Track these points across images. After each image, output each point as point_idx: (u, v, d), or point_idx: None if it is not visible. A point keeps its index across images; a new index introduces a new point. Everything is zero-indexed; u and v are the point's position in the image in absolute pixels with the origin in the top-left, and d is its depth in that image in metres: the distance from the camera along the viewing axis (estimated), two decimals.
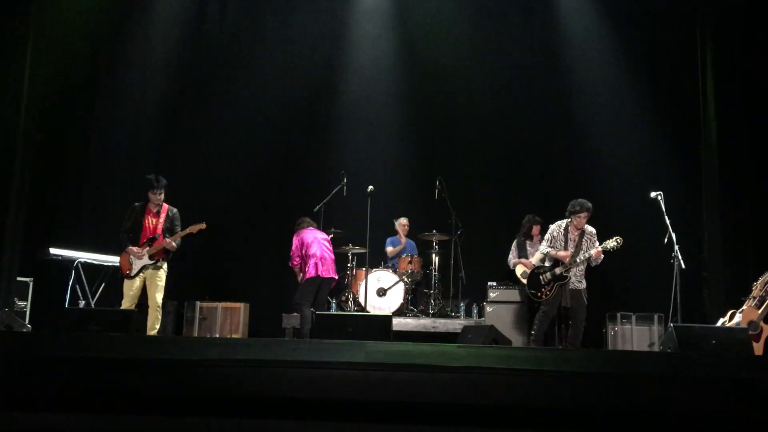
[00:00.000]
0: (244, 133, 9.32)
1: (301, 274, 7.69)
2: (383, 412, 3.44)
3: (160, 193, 6.73)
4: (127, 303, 6.56)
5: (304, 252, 7.66)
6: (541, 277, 6.71)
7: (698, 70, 8.50)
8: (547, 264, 6.76)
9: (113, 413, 3.49)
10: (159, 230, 6.71)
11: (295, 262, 7.71)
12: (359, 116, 9.48)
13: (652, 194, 6.66)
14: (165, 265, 6.72)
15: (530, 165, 9.23)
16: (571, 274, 6.57)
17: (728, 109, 8.22)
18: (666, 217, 6.54)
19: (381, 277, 8.19)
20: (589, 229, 6.71)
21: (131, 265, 6.60)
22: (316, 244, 7.66)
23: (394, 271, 8.30)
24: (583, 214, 6.59)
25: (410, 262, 8.34)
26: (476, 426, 3.43)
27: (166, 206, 6.83)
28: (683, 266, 6.42)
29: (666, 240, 6.53)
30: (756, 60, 8.01)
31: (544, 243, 6.82)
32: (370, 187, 7.71)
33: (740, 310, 6.12)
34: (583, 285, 6.64)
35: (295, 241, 7.74)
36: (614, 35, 9.05)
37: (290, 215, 9.03)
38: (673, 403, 3.48)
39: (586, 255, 6.52)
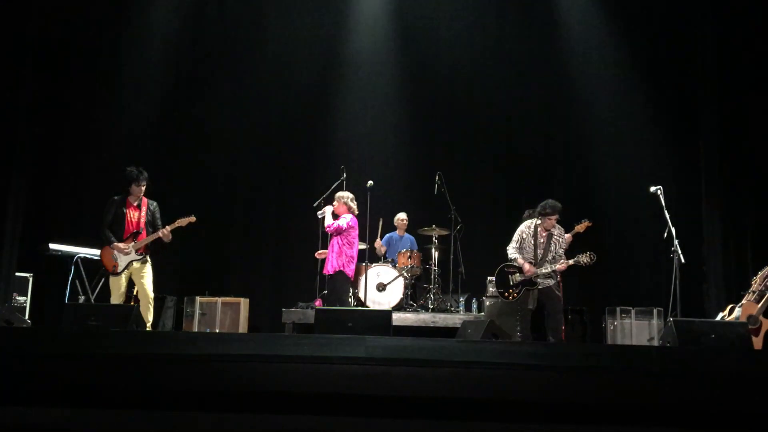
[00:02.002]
0: (243, 127, 9.32)
1: (341, 263, 7.24)
2: (383, 406, 3.45)
3: (143, 186, 6.57)
4: (116, 300, 6.47)
5: (352, 243, 7.28)
6: (510, 278, 6.64)
7: (698, 63, 8.50)
8: (516, 264, 6.68)
9: (113, 408, 3.49)
10: (142, 224, 6.57)
11: (333, 229, 7.17)
12: (359, 111, 9.48)
13: (652, 189, 6.65)
14: (149, 258, 6.60)
15: (530, 159, 9.22)
16: (539, 279, 6.55)
17: (728, 102, 8.22)
18: (665, 212, 6.53)
19: (380, 272, 8.19)
20: (558, 230, 6.65)
21: (116, 261, 6.45)
22: (358, 247, 7.47)
23: (394, 266, 8.30)
24: (553, 217, 6.52)
25: (410, 257, 8.34)
26: (475, 420, 3.44)
27: (145, 199, 6.65)
28: (683, 261, 6.41)
29: (665, 234, 6.52)
30: (756, 53, 8.01)
31: (512, 244, 6.74)
32: (370, 182, 7.69)
33: (740, 304, 6.13)
34: (553, 281, 6.56)
35: (351, 223, 7.26)
36: (613, 30, 9.03)
37: (290, 210, 9.05)
38: (672, 398, 3.48)
39: (553, 267, 6.44)
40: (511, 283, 6.62)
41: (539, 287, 6.51)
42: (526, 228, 6.72)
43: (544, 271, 6.48)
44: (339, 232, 7.22)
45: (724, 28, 8.29)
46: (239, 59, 9.43)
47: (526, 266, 6.55)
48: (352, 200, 7.41)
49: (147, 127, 9.14)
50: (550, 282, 6.55)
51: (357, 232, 7.38)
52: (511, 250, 6.72)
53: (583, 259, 6.40)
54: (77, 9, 8.61)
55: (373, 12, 9.50)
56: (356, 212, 7.42)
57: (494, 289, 7.72)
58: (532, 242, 6.62)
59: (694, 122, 8.54)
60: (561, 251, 6.56)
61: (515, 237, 6.76)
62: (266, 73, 9.39)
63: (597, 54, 9.09)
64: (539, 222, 6.62)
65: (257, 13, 9.49)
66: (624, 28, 9.00)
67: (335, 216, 7.35)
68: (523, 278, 6.57)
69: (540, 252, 6.57)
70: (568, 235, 6.48)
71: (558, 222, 6.64)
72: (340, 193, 7.46)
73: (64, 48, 8.57)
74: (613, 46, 9.02)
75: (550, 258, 6.51)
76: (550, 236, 6.60)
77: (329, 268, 7.31)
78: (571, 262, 6.44)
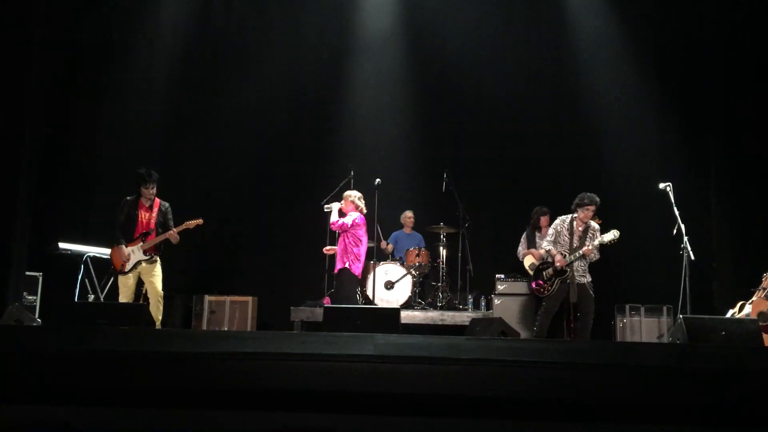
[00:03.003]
0: (251, 126, 9.31)
1: (348, 261, 7.37)
2: (392, 404, 3.45)
3: (153, 188, 6.60)
4: (124, 298, 6.51)
5: (358, 241, 7.34)
6: (544, 273, 6.74)
7: (707, 59, 8.44)
8: (550, 259, 6.75)
9: (123, 407, 3.50)
10: (152, 225, 6.61)
11: (337, 227, 7.31)
12: (366, 109, 9.46)
13: (661, 185, 6.63)
14: (158, 258, 6.64)
15: (538, 156, 9.18)
16: (573, 268, 6.55)
17: (738, 98, 8.17)
18: (675, 209, 6.51)
19: (389, 270, 8.20)
20: (593, 224, 6.70)
21: (124, 260, 6.50)
22: (365, 243, 7.52)
23: (402, 264, 8.30)
24: (591, 208, 6.58)
25: (418, 255, 8.34)
26: (484, 418, 3.43)
27: (158, 200, 6.71)
28: (692, 258, 6.39)
29: (675, 231, 6.50)
30: (765, 48, 7.96)
31: (547, 238, 6.82)
32: (378, 180, 7.70)
33: (750, 301, 6.10)
34: (588, 278, 6.62)
35: (358, 221, 7.33)
36: (622, 25, 8.99)
37: (298, 208, 9.05)
38: (682, 395, 3.46)
39: (579, 253, 6.51)
40: (545, 277, 6.65)
41: (576, 282, 6.51)
42: (560, 222, 6.79)
43: (572, 258, 6.50)
44: (343, 229, 7.28)
45: (733, 24, 8.23)
46: (246, 58, 9.43)
47: (558, 257, 6.61)
48: (359, 199, 7.44)
49: (155, 126, 9.16)
50: (585, 279, 6.57)
51: (364, 230, 7.40)
52: (545, 244, 6.78)
53: (607, 237, 6.45)
54: (85, 10, 8.64)
55: (379, 9, 9.48)
56: (364, 210, 7.45)
57: (501, 289, 7.75)
58: (568, 235, 6.66)
59: (703, 118, 8.49)
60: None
61: (550, 231, 6.84)
62: (272, 72, 9.37)
63: (605, 49, 9.04)
64: (576, 215, 6.67)
65: (263, 10, 9.49)
66: (632, 23, 8.95)
67: (342, 214, 7.37)
68: (554, 271, 6.60)
69: (576, 243, 6.61)
70: (586, 248, 6.49)
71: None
72: (347, 192, 7.50)
73: (71, 47, 8.60)
74: (622, 41, 8.98)
75: (576, 254, 6.55)
76: (586, 229, 6.64)
77: (336, 267, 7.37)
78: (596, 242, 6.48)
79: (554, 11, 9.27)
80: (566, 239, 6.67)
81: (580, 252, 6.50)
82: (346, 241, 7.31)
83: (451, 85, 9.48)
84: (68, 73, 8.61)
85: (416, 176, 9.27)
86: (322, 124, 9.50)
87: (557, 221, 6.82)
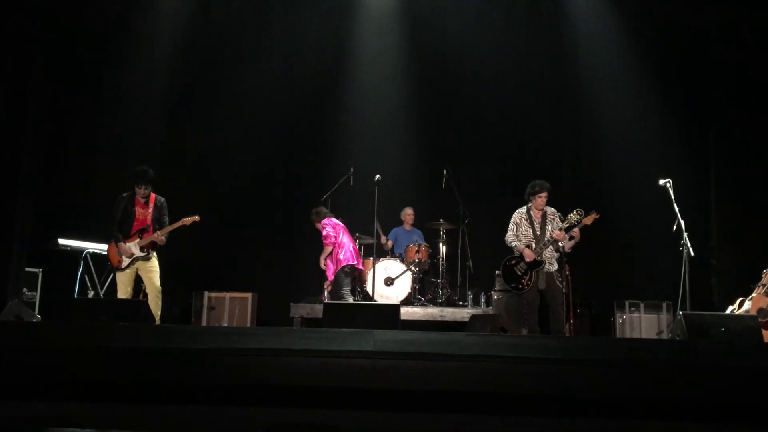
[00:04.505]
0: (251, 122, 9.30)
1: (333, 262, 7.78)
2: (391, 400, 3.45)
3: (146, 189, 6.57)
4: (123, 295, 6.50)
5: (336, 241, 7.78)
6: (516, 269, 6.62)
7: (708, 55, 8.43)
8: (516, 254, 6.68)
9: (123, 402, 3.51)
10: (149, 221, 6.59)
11: (330, 242, 7.76)
12: (366, 106, 9.44)
13: (661, 182, 6.62)
14: (154, 254, 6.63)
15: (538, 153, 9.18)
16: (544, 257, 6.53)
17: (739, 94, 8.17)
18: (675, 205, 6.50)
19: (388, 266, 8.20)
20: (550, 209, 6.69)
21: (121, 257, 6.49)
22: (346, 233, 7.86)
23: (402, 261, 8.30)
24: (543, 194, 6.57)
25: (418, 252, 8.34)
26: (484, 414, 3.43)
27: (153, 196, 6.67)
28: (692, 254, 6.38)
29: (675, 228, 6.49)
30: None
31: (509, 233, 6.74)
32: (377, 176, 7.70)
33: (749, 297, 6.10)
34: (555, 267, 6.56)
35: (328, 225, 7.82)
36: (622, 21, 8.97)
37: (298, 205, 9.05)
38: (681, 391, 3.47)
39: (549, 239, 6.48)
40: (519, 273, 6.60)
41: (546, 270, 6.51)
42: (517, 214, 6.75)
43: (545, 248, 6.49)
44: (334, 240, 7.75)
45: (735, 17, 8.22)
46: (246, 55, 9.41)
47: (527, 251, 6.54)
48: (317, 212, 7.94)
49: (154, 123, 9.15)
50: (552, 268, 6.55)
51: (339, 227, 7.82)
52: (510, 239, 6.73)
53: (573, 218, 6.46)
54: (86, 7, 8.62)
55: (379, 6, 9.46)
56: (328, 214, 7.90)
57: (500, 285, 7.75)
58: (529, 226, 6.64)
59: (704, 114, 8.49)
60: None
61: (510, 226, 6.76)
62: (272, 69, 9.35)
63: (606, 46, 9.02)
64: (530, 204, 6.66)
65: (263, 9, 9.47)
66: (633, 18, 8.93)
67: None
68: (526, 264, 6.56)
69: (538, 232, 6.60)
70: (557, 233, 6.47)
71: (549, 203, 6.68)
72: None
73: (71, 45, 8.59)
74: (623, 37, 8.95)
75: (548, 237, 6.53)
76: (544, 215, 6.63)
77: (330, 276, 7.84)
78: (564, 225, 6.48)
79: (554, 10, 9.24)
80: (528, 230, 6.64)
81: (549, 238, 6.48)
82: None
83: (452, 82, 9.46)
84: (69, 70, 8.59)
85: (416, 173, 9.26)
86: (321, 121, 9.49)
87: (514, 215, 6.76)
